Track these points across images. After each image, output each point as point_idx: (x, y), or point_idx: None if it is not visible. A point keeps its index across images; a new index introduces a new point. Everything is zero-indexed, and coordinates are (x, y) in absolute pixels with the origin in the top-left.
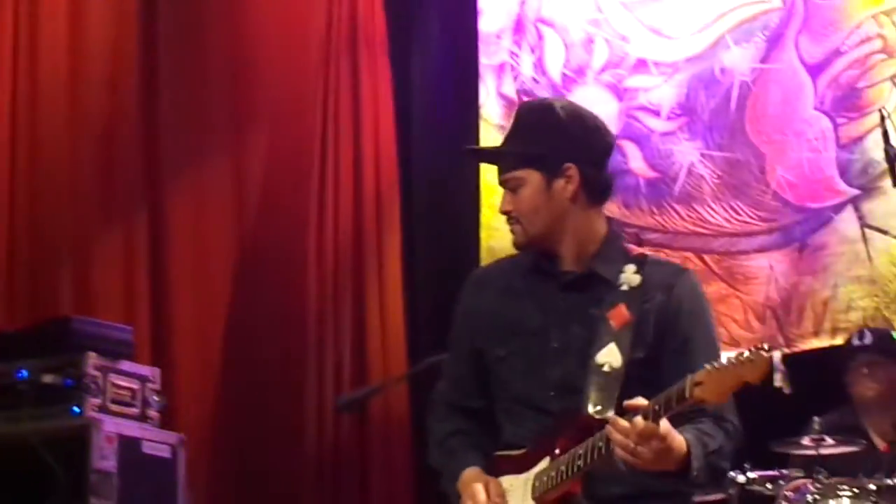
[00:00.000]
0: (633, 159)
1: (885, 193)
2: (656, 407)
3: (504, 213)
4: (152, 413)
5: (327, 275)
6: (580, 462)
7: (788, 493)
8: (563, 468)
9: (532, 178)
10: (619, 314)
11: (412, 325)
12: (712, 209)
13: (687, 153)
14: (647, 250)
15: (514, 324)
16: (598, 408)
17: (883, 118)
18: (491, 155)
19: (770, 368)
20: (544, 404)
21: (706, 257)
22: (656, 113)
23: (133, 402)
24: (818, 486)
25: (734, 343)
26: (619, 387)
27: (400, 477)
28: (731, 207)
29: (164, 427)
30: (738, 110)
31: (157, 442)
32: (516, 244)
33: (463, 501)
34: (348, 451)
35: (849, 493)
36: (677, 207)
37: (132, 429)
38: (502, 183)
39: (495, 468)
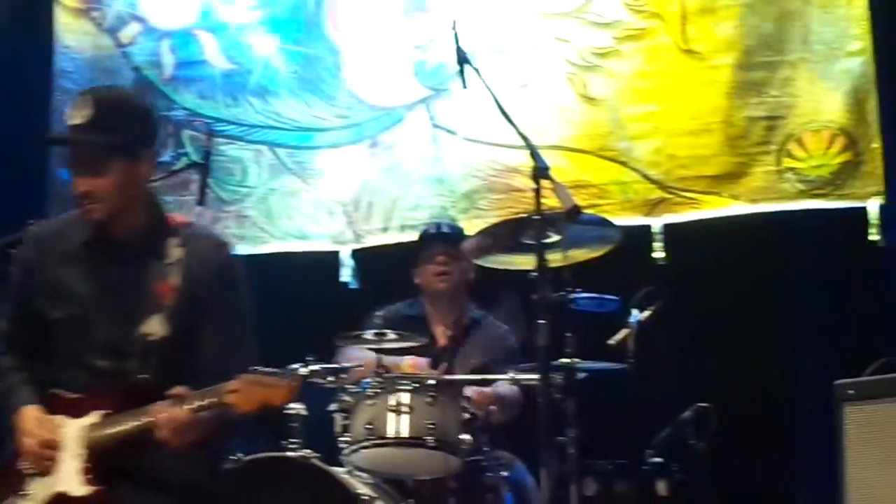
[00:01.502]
0: (210, 50)
1: (455, 95)
2: (195, 403)
3: (83, 194)
4: None
5: None
6: (128, 427)
7: (348, 387)
8: (113, 429)
9: (117, 164)
10: (164, 286)
11: None
12: (287, 103)
13: (264, 46)
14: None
15: (68, 290)
16: (146, 375)
17: (454, 22)
18: (74, 143)
19: (291, 396)
20: (93, 365)
21: (279, 151)
22: (234, 4)
23: None
24: (378, 380)
25: (303, 237)
26: (163, 354)
27: None
28: (306, 102)
29: None
30: (316, 6)
31: None
32: (95, 221)
33: (20, 437)
34: None
35: (408, 388)
36: (253, 100)
37: None
38: (81, 167)
39: (51, 405)
